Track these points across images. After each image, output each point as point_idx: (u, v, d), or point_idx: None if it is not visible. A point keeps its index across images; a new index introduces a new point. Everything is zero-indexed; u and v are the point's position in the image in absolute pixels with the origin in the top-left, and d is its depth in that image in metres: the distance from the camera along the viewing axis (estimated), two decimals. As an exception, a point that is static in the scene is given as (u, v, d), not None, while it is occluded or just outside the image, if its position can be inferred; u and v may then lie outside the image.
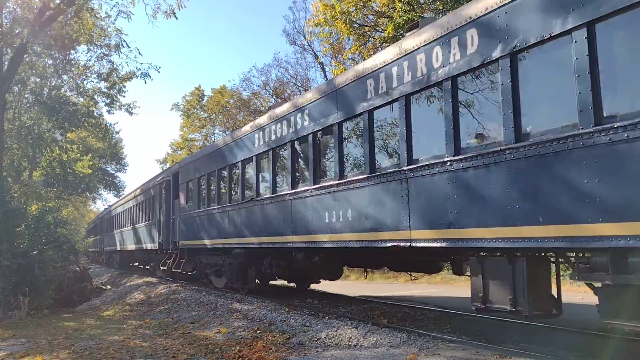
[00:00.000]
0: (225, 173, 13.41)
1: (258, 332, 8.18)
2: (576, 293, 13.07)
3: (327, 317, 8.88)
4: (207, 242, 14.25)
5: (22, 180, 27.08)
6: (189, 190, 16.13)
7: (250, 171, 11.96)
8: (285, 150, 10.50)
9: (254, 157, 11.60)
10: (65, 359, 7.11)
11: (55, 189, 31.75)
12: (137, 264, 29.83)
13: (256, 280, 13.12)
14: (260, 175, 11.52)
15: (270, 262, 11.57)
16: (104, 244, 36.82)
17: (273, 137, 10.83)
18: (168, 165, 40.85)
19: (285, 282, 14.86)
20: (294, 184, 9.93)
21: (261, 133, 11.42)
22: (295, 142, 10.04)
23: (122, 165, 54.97)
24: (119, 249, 29.91)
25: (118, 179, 55.67)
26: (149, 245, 21.35)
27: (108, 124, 31.58)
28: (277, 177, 10.76)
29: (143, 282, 18.54)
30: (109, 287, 21.53)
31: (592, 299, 12.29)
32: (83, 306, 15.32)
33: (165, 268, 17.93)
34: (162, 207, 18.99)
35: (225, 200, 13.16)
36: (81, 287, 16.92)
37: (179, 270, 16.77)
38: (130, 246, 25.98)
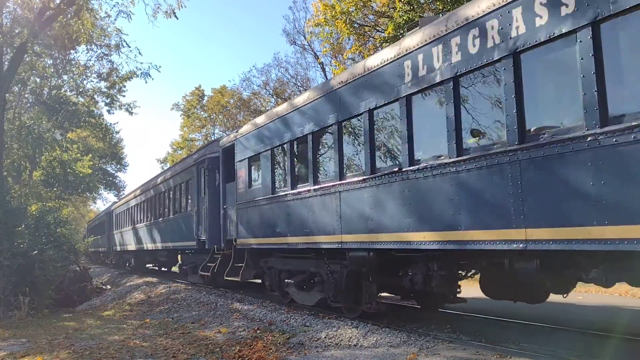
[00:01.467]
0: (334, 131, 8.49)
1: (258, 332, 8.17)
2: (576, 293, 13.08)
3: (327, 317, 8.88)
4: (292, 240, 9.67)
5: (22, 180, 27.11)
6: (257, 167, 11.39)
7: (392, 122, 7.39)
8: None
9: (404, 99, 6.94)
10: (66, 359, 7.11)
11: (55, 189, 31.76)
12: (151, 265, 26.92)
13: (378, 298, 8.44)
14: (414, 128, 6.89)
15: (434, 272, 6.94)
16: (112, 243, 32.79)
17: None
18: (168, 165, 40.75)
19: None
20: (523, 134, 5.32)
21: (420, 56, 6.66)
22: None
23: (123, 165, 55.03)
24: (133, 248, 25.80)
25: (118, 179, 55.80)
26: (182, 244, 17.04)
27: (108, 124, 31.68)
28: (457, 127, 6.11)
29: (143, 282, 18.54)
30: (109, 287, 21.55)
31: (592, 299, 12.33)
32: (83, 306, 15.33)
33: (209, 273, 14.01)
34: (203, 193, 14.73)
35: (333, 176, 8.49)
36: (81, 287, 16.95)
37: (235, 279, 12.69)
38: (151, 245, 21.74)
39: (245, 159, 11.87)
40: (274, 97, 35.34)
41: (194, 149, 40.50)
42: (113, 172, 54.31)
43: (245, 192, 11.79)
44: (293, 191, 9.68)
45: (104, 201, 60.23)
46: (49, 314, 13.03)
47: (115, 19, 21.94)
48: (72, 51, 22.08)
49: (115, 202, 36.01)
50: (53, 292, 14.08)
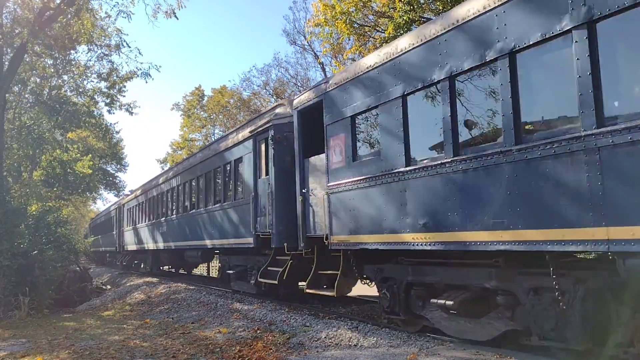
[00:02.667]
0: (569, 40, 4.72)
1: (258, 332, 8.18)
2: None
3: (327, 317, 8.89)
4: (468, 236, 5.80)
5: (22, 180, 27.14)
6: (370, 129, 7.81)
7: None
8: None
9: None
10: (66, 359, 7.12)
11: (55, 189, 31.80)
12: (167, 267, 23.52)
13: None
14: None
15: None
16: (123, 242, 28.73)
17: None
18: (169, 165, 40.55)
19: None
20: None
21: None
22: None
23: (123, 165, 55.02)
24: (152, 247, 21.74)
25: (118, 179, 55.76)
26: (230, 241, 13.01)
27: (108, 124, 31.71)
28: None
29: (143, 282, 18.56)
30: (109, 287, 21.56)
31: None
32: (83, 306, 15.33)
33: (275, 281, 10.58)
34: (265, 174, 11.18)
35: (577, 123, 4.69)
36: (81, 287, 16.97)
37: (325, 292, 9.16)
38: (178, 243, 17.90)
39: (346, 118, 8.12)
40: (274, 97, 35.38)
41: (194, 149, 40.34)
42: (113, 172, 54.33)
43: (345, 167, 8.19)
44: (457, 158, 5.96)
45: (104, 201, 60.39)
46: (49, 314, 13.04)
47: (115, 19, 21.98)
48: (72, 51, 22.05)
49: (127, 195, 31.71)
50: (53, 292, 14.09)
